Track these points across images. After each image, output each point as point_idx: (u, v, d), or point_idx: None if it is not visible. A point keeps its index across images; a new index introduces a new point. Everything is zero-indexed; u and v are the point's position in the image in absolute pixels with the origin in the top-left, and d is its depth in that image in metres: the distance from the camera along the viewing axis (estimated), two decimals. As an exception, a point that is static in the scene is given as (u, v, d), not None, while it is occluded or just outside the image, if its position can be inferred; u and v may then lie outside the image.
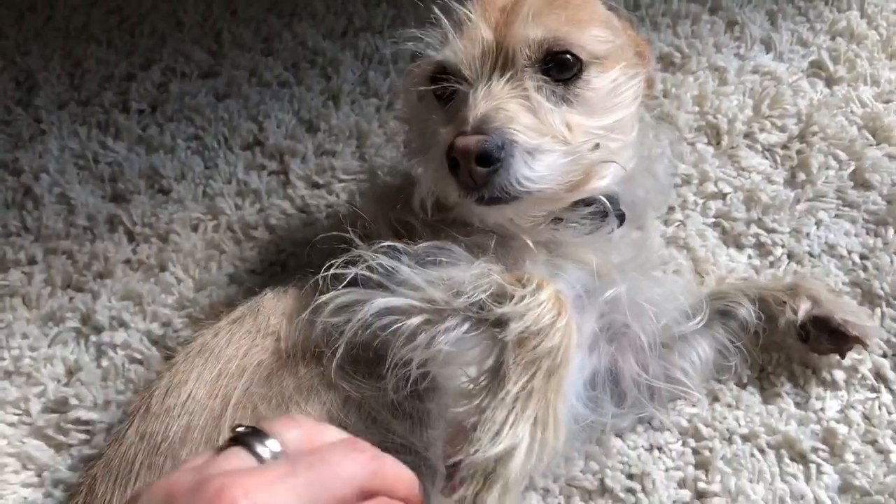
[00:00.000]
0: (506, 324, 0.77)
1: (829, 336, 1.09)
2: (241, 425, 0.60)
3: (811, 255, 1.26)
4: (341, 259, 0.84)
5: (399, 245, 0.84)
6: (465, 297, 0.78)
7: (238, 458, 0.57)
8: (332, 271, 0.85)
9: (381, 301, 0.80)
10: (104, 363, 1.22)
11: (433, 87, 0.93)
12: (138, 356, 1.23)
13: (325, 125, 1.50)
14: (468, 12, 0.91)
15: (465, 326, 0.78)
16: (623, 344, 1.06)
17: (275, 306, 0.99)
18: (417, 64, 0.99)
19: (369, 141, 1.47)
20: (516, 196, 0.83)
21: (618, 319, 1.03)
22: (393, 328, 0.79)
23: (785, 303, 1.10)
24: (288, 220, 1.38)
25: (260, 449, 0.58)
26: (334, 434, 0.61)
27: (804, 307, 1.08)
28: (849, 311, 1.09)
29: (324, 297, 0.84)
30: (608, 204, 0.97)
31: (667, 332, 1.07)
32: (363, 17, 1.70)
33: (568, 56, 0.89)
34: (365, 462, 0.58)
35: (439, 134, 0.88)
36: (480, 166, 0.80)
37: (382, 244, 0.84)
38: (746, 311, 1.10)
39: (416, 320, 0.79)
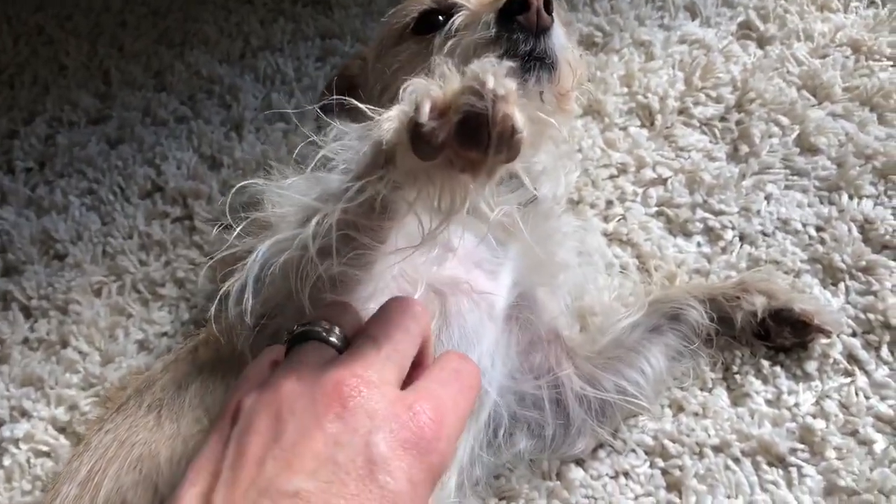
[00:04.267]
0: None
1: (791, 329, 1.00)
2: (301, 322, 0.63)
3: (764, 233, 1.16)
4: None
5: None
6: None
7: (320, 351, 0.60)
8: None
9: (265, 244, 0.74)
10: (6, 462, 1.09)
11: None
12: (44, 448, 1.10)
13: (228, 159, 1.37)
14: None
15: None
16: (549, 343, 0.98)
17: (162, 378, 0.88)
18: (403, 5, 1.04)
19: (277, 171, 1.34)
20: (553, 63, 0.91)
21: (531, 296, 0.98)
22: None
23: (738, 298, 1.01)
24: (197, 271, 1.25)
25: (332, 339, 0.61)
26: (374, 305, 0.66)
27: (760, 302, 1.00)
28: (806, 300, 1.01)
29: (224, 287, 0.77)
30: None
31: (606, 336, 1.01)
32: (260, 37, 1.57)
33: None
34: (419, 313, 0.64)
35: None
36: (546, 11, 0.88)
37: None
38: (697, 313, 1.01)
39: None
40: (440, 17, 0.98)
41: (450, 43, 0.95)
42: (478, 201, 0.65)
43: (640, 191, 1.24)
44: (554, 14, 0.93)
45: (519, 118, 0.56)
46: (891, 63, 1.31)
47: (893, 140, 1.21)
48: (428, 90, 0.60)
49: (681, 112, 1.33)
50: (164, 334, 1.20)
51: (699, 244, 1.18)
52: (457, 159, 0.59)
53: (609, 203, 1.23)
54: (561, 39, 0.93)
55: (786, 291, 1.03)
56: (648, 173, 1.25)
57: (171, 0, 1.68)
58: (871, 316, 1.04)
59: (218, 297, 0.81)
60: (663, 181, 1.25)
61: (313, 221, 0.70)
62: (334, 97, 1.06)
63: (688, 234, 1.19)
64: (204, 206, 1.32)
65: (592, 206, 1.23)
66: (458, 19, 0.97)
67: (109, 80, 1.56)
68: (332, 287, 0.73)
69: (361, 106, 0.78)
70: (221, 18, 1.61)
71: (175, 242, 1.29)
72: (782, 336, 1.01)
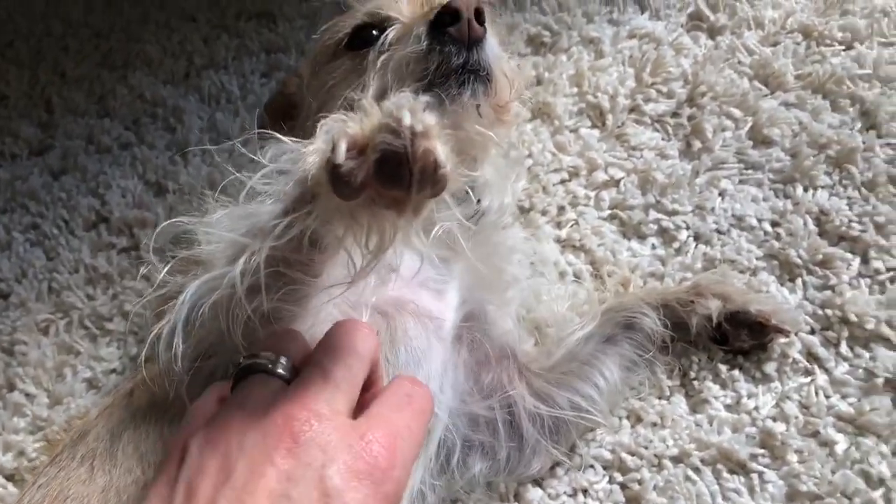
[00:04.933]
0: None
1: (748, 331, 0.98)
2: (246, 355, 0.63)
3: (719, 231, 1.14)
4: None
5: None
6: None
7: (266, 384, 0.59)
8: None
9: (194, 284, 0.72)
10: (-48, 516, 1.06)
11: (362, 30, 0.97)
12: (-8, 498, 1.07)
13: (174, 184, 1.34)
14: None
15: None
16: (500, 360, 0.96)
17: (96, 425, 0.85)
18: (335, 21, 1.03)
19: (224, 194, 1.31)
20: (489, 74, 0.89)
21: (479, 313, 0.96)
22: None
23: (692, 303, 0.98)
24: (145, 304, 1.21)
25: (279, 369, 0.61)
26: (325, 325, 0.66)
27: (715, 306, 0.98)
28: (762, 301, 0.99)
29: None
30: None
31: (560, 349, 0.99)
32: (204, 55, 1.53)
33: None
34: (367, 336, 0.64)
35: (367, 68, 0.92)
36: (478, 22, 0.86)
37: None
38: (651, 321, 0.99)
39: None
40: (374, 32, 0.96)
41: (382, 58, 0.92)
42: (408, 236, 0.63)
43: (592, 194, 1.22)
44: (486, 24, 0.90)
45: (441, 152, 0.54)
46: (843, 47, 1.29)
47: (847, 127, 1.18)
48: (345, 128, 0.58)
49: (632, 110, 1.30)
50: (113, 371, 1.17)
51: (653, 246, 1.15)
52: (380, 198, 0.57)
53: (561, 209, 1.21)
54: (495, 50, 0.90)
55: (741, 293, 1.01)
56: (600, 176, 1.23)
57: (113, 20, 1.64)
58: (829, 312, 1.02)
59: (148, 340, 0.79)
60: (616, 183, 1.22)
61: (242, 259, 0.68)
62: (258, 131, 1.05)
63: (642, 237, 1.16)
64: (149, 235, 1.28)
65: (544, 212, 1.20)
66: (390, 33, 0.95)
67: (52, 108, 1.52)
68: (267, 324, 0.71)
69: (283, 139, 0.78)
70: (164, 37, 1.57)
71: (122, 274, 1.26)
72: (740, 339, 0.99)
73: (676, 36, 1.37)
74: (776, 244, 1.10)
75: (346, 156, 0.56)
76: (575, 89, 1.34)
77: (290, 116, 1.13)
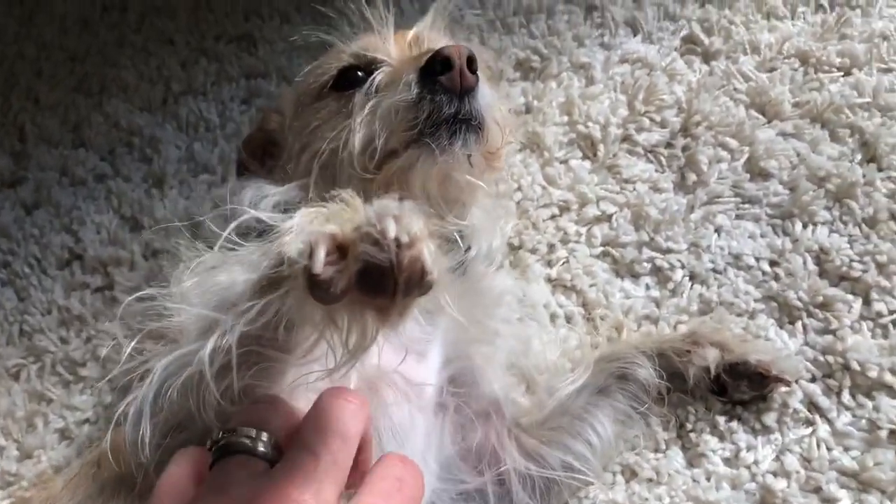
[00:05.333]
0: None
1: (748, 382, 0.94)
2: (224, 430, 0.59)
3: (715, 271, 1.10)
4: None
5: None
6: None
7: (248, 467, 0.56)
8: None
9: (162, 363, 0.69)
10: (-81, 576, 1.01)
11: (349, 70, 0.95)
12: (-40, 558, 1.02)
13: (149, 220, 1.29)
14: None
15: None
16: (488, 419, 0.91)
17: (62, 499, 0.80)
18: (320, 62, 1.00)
19: (203, 229, 1.26)
20: (480, 123, 0.86)
21: (465, 370, 0.91)
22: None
23: (689, 352, 0.94)
24: (120, 347, 1.17)
25: (261, 448, 0.57)
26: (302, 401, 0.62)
27: (712, 356, 0.93)
28: (762, 350, 0.95)
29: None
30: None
31: (552, 400, 0.95)
32: (182, 80, 1.48)
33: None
34: (357, 410, 0.59)
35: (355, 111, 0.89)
36: (469, 70, 0.83)
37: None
38: (646, 371, 0.95)
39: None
40: (360, 73, 0.94)
41: (370, 104, 0.89)
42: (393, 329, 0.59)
43: (583, 230, 1.17)
44: (478, 72, 0.86)
45: (429, 258, 0.51)
46: (841, 73, 1.24)
47: (846, 159, 1.14)
48: (323, 231, 0.54)
49: (624, 139, 1.25)
50: (87, 421, 1.12)
51: (647, 286, 1.11)
52: (361, 304, 0.54)
53: (551, 247, 1.16)
54: (487, 98, 0.87)
55: (739, 341, 0.97)
56: (592, 210, 1.18)
57: (88, 43, 1.59)
58: (831, 358, 0.98)
59: (115, 417, 0.75)
60: (608, 218, 1.18)
61: (213, 337, 0.64)
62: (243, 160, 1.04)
63: (635, 276, 1.12)
64: (125, 274, 1.24)
65: (533, 251, 1.16)
66: (378, 77, 0.91)
67: (25, 137, 1.47)
68: (240, 401, 0.67)
69: (264, 216, 0.75)
70: (141, 62, 1.52)
71: (96, 315, 1.21)
72: (739, 390, 0.95)
73: (670, 61, 1.32)
74: (775, 285, 1.06)
75: (326, 260, 0.52)
76: (565, 118, 1.29)
77: (269, 154, 1.09)
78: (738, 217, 1.14)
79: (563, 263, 1.15)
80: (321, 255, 0.52)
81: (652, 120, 1.25)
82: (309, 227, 0.58)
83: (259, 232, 0.90)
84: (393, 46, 0.96)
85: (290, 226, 0.66)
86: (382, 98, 0.88)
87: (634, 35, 1.39)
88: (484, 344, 0.95)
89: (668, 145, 1.23)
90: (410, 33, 0.99)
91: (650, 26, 1.38)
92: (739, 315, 1.05)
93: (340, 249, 0.53)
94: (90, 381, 1.15)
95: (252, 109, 1.41)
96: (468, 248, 0.97)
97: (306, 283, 0.53)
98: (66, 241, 1.30)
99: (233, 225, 0.87)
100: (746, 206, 1.15)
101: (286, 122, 1.06)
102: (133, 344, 0.77)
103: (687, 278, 1.10)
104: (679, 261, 1.11)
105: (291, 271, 0.57)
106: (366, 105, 0.89)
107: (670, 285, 1.09)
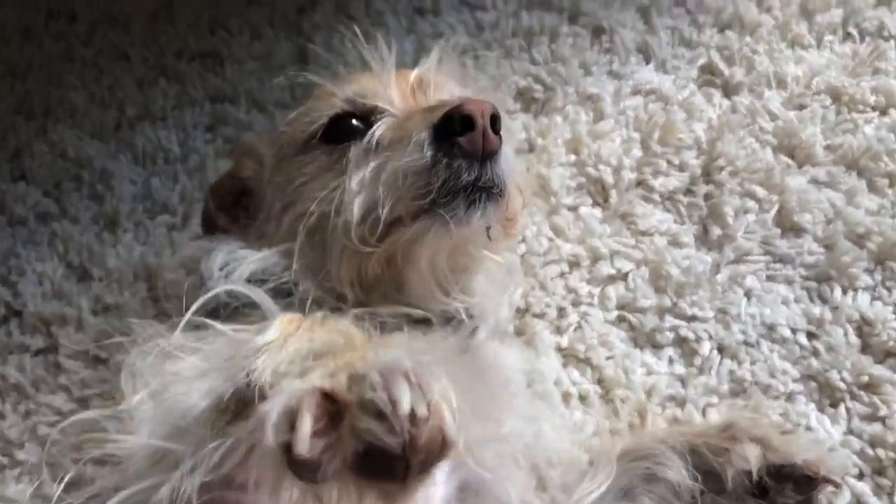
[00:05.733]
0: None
1: (793, 485, 0.83)
2: None
3: (747, 343, 0.98)
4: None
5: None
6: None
7: None
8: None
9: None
10: None
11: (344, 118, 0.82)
12: None
13: (100, 270, 1.13)
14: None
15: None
16: None
17: None
18: (307, 107, 0.87)
19: (161, 280, 1.11)
20: (501, 190, 0.75)
21: (475, 476, 0.77)
22: None
23: (727, 451, 0.82)
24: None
25: None
26: None
27: (753, 456, 0.82)
28: (807, 448, 0.85)
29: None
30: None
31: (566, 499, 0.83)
32: (138, 103, 1.31)
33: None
34: None
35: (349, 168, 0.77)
36: (493, 130, 0.72)
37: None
38: (677, 472, 0.83)
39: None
40: (355, 123, 0.82)
41: (372, 165, 0.76)
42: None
43: (596, 291, 1.04)
44: (501, 132, 0.74)
45: (452, 426, 0.42)
46: (876, 113, 1.13)
47: (887, 214, 1.03)
48: (308, 388, 0.43)
49: (639, 184, 1.13)
50: (23, 515, 0.96)
51: (671, 360, 0.98)
52: (359, 486, 0.46)
53: (561, 310, 1.03)
54: (510, 161, 0.76)
55: (782, 437, 0.86)
56: (605, 268, 1.05)
57: (31, 57, 1.41)
58: (881, 452, 0.87)
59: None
60: (623, 276, 1.05)
61: (168, 481, 0.56)
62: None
63: (657, 347, 1.00)
64: (71, 335, 1.09)
65: (541, 315, 1.03)
66: (379, 130, 0.79)
67: (-43, 167, 1.29)
68: None
69: (238, 289, 0.72)
70: (91, 80, 1.34)
71: (36, 385, 1.05)
72: (783, 494, 0.84)
73: (688, 94, 1.19)
74: (815, 363, 0.94)
75: (312, 430, 0.39)
76: (572, 157, 1.15)
77: (242, 206, 0.94)
78: (768, 279, 1.02)
79: (576, 330, 1.02)
80: (306, 428, 0.41)
81: (669, 162, 1.13)
82: (288, 366, 0.46)
83: (232, 309, 0.77)
84: (395, 92, 0.82)
85: (263, 342, 0.54)
86: (388, 158, 0.75)
87: (647, 62, 1.26)
88: (495, 441, 0.81)
89: (688, 192, 1.11)
90: (412, 75, 0.86)
91: (664, 53, 1.25)
92: (776, 397, 0.93)
93: (332, 412, 0.42)
94: (28, 467, 0.99)
95: (218, 139, 1.25)
96: (474, 327, 0.83)
97: (286, 459, 0.42)
98: (3, 295, 1.13)
99: (199, 302, 0.74)
100: (778, 265, 1.03)
101: (264, 172, 0.91)
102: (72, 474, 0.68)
103: (715, 351, 0.98)
104: (706, 331, 0.98)
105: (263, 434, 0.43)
106: (364, 163, 0.77)
107: (697, 360, 0.97)
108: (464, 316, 0.82)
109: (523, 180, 0.83)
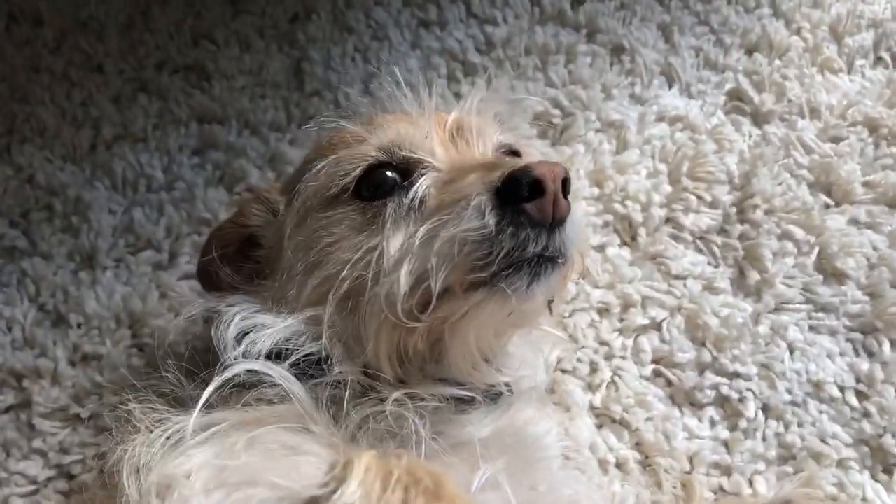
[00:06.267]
0: None
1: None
2: None
3: (794, 403, 0.92)
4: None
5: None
6: None
7: None
8: None
9: None
10: None
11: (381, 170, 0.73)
12: None
13: (78, 315, 1.02)
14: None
15: None
16: None
17: None
18: (338, 158, 0.75)
19: (148, 327, 1.00)
20: (566, 258, 0.68)
21: None
22: None
23: None
24: (41, 498, 0.91)
25: None
26: None
27: None
28: None
29: None
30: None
31: None
32: (115, 122, 1.18)
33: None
34: None
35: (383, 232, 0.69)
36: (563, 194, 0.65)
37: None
38: None
39: None
40: (389, 174, 0.73)
41: (422, 230, 0.67)
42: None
43: (629, 343, 0.97)
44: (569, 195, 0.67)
45: None
46: (916, 147, 1.07)
47: (934, 258, 0.97)
48: None
49: (668, 221, 1.05)
50: None
51: (713, 422, 0.92)
52: None
53: (593, 365, 0.95)
54: (576, 225, 0.69)
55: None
56: (637, 317, 0.98)
57: (-9, 66, 1.26)
58: (943, 526, 0.81)
59: None
60: (657, 326, 0.98)
61: None
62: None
63: (697, 407, 0.93)
64: (46, 390, 0.97)
65: (573, 371, 0.94)
66: (422, 186, 0.70)
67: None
68: None
69: (269, 370, 0.65)
70: (61, 95, 1.21)
71: (7, 448, 0.94)
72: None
73: (717, 124, 1.12)
74: (867, 427, 0.88)
75: None
76: (596, 190, 1.07)
77: (245, 255, 0.84)
78: (811, 329, 0.96)
79: (608, 387, 0.94)
80: None
81: (700, 198, 1.05)
82: None
83: (245, 385, 0.67)
84: (436, 142, 0.74)
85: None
86: (441, 225, 0.66)
87: (670, 86, 1.18)
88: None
89: (722, 231, 1.04)
90: (450, 119, 0.77)
91: (688, 76, 1.17)
92: (828, 465, 0.86)
93: None
94: (1, 545, 0.88)
95: (207, 165, 1.14)
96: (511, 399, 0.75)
97: None
98: (-33, 343, 1.00)
99: (216, 383, 0.65)
100: (820, 315, 0.97)
101: (282, 226, 0.80)
102: None
103: (760, 412, 0.91)
104: (749, 390, 0.92)
105: None
106: (403, 223, 0.69)
107: (742, 423, 0.90)
108: (504, 389, 0.75)
109: (585, 244, 0.74)
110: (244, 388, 0.69)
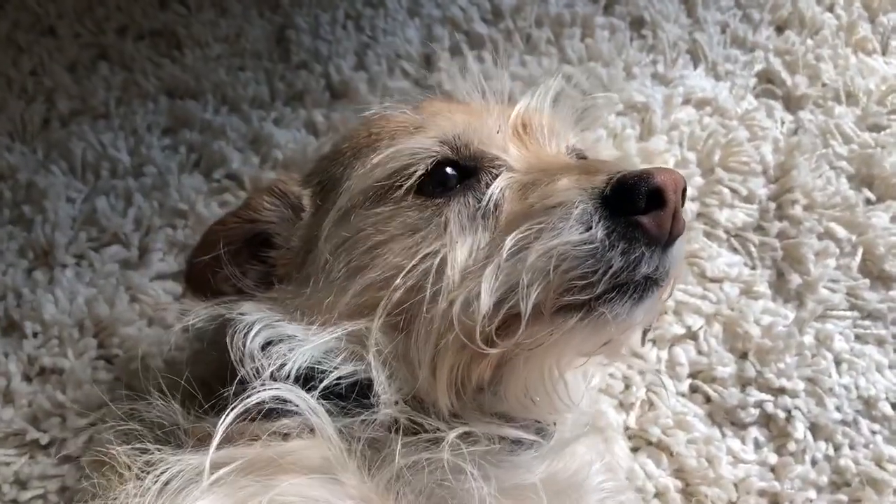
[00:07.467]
0: None
1: None
2: None
3: (844, 423, 0.84)
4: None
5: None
6: None
7: None
8: None
9: None
10: None
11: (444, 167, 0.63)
12: None
13: (34, 324, 0.88)
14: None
15: None
16: None
17: None
18: (396, 150, 0.65)
19: (116, 336, 0.87)
20: (667, 281, 0.60)
21: None
22: None
23: None
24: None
25: None
26: None
27: None
28: None
29: None
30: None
31: None
32: (73, 94, 1.03)
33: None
34: None
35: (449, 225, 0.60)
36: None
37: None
38: None
39: None
40: (450, 171, 0.64)
41: (509, 241, 0.56)
42: None
43: (664, 355, 0.87)
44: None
45: None
46: (960, 137, 0.99)
47: None
48: None
49: (699, 216, 0.96)
50: None
51: (758, 444, 0.84)
52: None
53: (626, 381, 0.86)
54: (683, 244, 0.60)
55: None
56: (671, 325, 0.88)
57: (-78, 26, 1.09)
58: None
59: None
60: (692, 335, 0.89)
61: None
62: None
63: (740, 427, 0.84)
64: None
65: (605, 389, 0.85)
66: (498, 188, 0.61)
67: None
68: None
69: (303, 402, 0.55)
70: (7, 63, 1.05)
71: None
72: None
73: (748, 109, 1.03)
74: (925, 449, 0.81)
75: None
76: (621, 182, 0.97)
77: (252, 256, 0.71)
78: (857, 338, 0.89)
79: (642, 405, 0.85)
80: None
81: (734, 192, 0.96)
82: None
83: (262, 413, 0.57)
84: (508, 137, 0.64)
85: None
86: (537, 235, 0.57)
87: (695, 65, 1.08)
88: None
89: (759, 228, 0.95)
90: (514, 113, 0.67)
91: (714, 54, 1.07)
92: (886, 493, 0.79)
93: None
94: None
95: (181, 148, 1.00)
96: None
97: None
98: None
99: (238, 409, 0.54)
100: (867, 323, 0.89)
101: (313, 225, 0.68)
102: None
103: (808, 432, 0.83)
104: (797, 407, 0.84)
105: None
106: (472, 228, 0.60)
107: (790, 445, 0.82)
108: (553, 426, 0.65)
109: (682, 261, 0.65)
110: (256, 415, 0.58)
